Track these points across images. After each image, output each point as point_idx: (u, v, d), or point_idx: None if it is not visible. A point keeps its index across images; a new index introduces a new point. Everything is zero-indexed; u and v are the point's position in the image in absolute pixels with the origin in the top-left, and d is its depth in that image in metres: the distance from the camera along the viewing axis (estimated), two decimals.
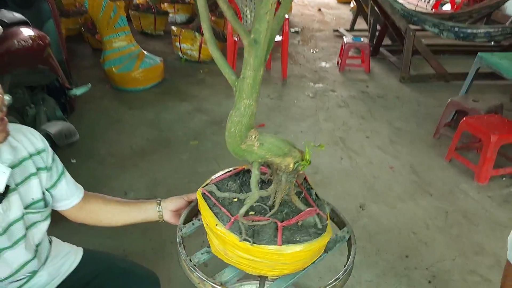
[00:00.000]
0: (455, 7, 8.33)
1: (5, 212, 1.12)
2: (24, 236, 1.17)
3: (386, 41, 6.12)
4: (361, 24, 7.29)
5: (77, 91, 2.96)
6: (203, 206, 1.06)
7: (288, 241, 0.96)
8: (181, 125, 3.77)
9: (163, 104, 4.16)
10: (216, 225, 0.99)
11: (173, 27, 5.38)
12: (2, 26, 2.21)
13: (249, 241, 0.94)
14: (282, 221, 1.02)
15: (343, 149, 3.47)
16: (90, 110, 3.93)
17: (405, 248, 2.45)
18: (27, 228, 1.19)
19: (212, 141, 3.50)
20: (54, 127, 2.27)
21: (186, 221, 1.23)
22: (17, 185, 1.15)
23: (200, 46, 5.15)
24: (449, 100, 3.58)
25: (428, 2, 9.17)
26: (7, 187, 1.10)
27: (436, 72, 5.05)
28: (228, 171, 1.21)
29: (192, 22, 6.21)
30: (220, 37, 5.33)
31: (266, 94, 4.47)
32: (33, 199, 1.20)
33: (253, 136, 1.00)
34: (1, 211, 1.11)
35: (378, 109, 4.27)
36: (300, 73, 5.21)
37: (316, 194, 1.15)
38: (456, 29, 5.17)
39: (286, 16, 7.06)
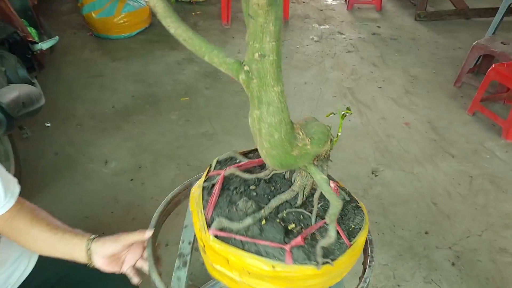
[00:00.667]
0: None
1: None
2: None
3: None
4: None
5: (44, 45, 2.53)
6: (231, 252, 0.72)
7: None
8: (170, 78, 3.36)
9: (150, 54, 3.72)
10: (274, 267, 0.69)
11: None
12: None
13: (330, 262, 0.71)
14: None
15: (352, 102, 3.08)
16: (68, 63, 3.51)
17: (424, 222, 2.15)
18: None
19: (205, 97, 3.11)
20: (7, 95, 1.89)
21: None
22: None
23: None
24: (474, 43, 3.12)
25: None
26: None
27: (456, 7, 4.50)
28: (218, 167, 0.90)
29: None
30: None
31: None
32: None
33: (301, 133, 0.73)
34: None
35: (391, 53, 3.81)
36: (304, 13, 4.67)
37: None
38: None
39: None
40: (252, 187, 0.84)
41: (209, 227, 0.74)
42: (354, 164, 2.52)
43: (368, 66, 3.58)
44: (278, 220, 0.77)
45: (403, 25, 4.41)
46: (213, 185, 0.83)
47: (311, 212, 0.80)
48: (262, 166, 0.91)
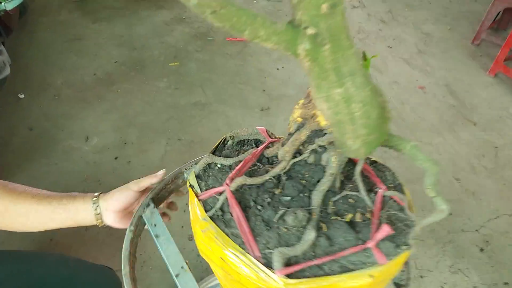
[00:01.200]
0: None
1: None
2: None
3: None
4: None
5: (8, 5, 2.19)
6: (319, 285, 0.51)
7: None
8: (158, 41, 3.02)
9: (136, 14, 3.35)
10: (371, 276, 0.52)
11: None
12: None
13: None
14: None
15: None
16: (44, 26, 3.15)
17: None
18: None
19: (197, 61, 2.80)
20: None
21: None
22: None
23: None
24: None
25: None
26: None
27: None
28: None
29: None
30: None
31: None
32: None
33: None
34: None
35: (401, 9, 3.46)
36: None
37: None
38: None
39: None
40: (277, 190, 0.60)
41: (271, 268, 0.49)
42: None
43: (376, 23, 3.25)
44: (334, 217, 0.59)
45: None
46: (224, 211, 0.57)
47: (356, 192, 0.59)
48: (263, 158, 0.65)
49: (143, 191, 0.85)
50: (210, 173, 0.64)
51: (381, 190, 0.63)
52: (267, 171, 0.61)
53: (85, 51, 2.90)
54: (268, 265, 0.50)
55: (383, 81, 2.63)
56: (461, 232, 1.77)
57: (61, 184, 1.97)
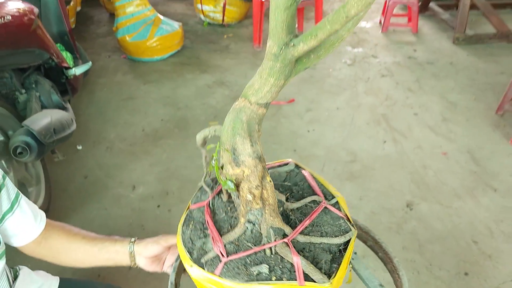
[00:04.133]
0: None
1: None
2: None
3: None
4: None
5: (77, 70, 2.58)
6: None
7: None
8: (200, 102, 3.35)
9: (181, 77, 3.73)
10: None
11: None
12: None
13: None
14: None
15: (386, 129, 2.97)
16: (102, 86, 3.56)
17: (464, 262, 2.00)
18: None
19: None
20: (39, 122, 1.91)
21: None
22: None
23: (224, 7, 4.61)
24: None
25: None
26: None
27: (497, 30, 4.32)
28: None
29: None
30: None
31: None
32: None
33: None
34: None
35: (428, 78, 3.67)
36: None
37: None
38: None
39: None
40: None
41: None
42: (387, 196, 2.40)
43: (404, 91, 3.46)
44: None
45: (440, 48, 4.27)
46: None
47: None
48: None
49: (168, 247, 1.02)
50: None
51: None
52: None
53: (136, 109, 3.25)
54: None
55: (407, 146, 2.79)
56: None
57: (109, 227, 2.21)
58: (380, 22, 4.86)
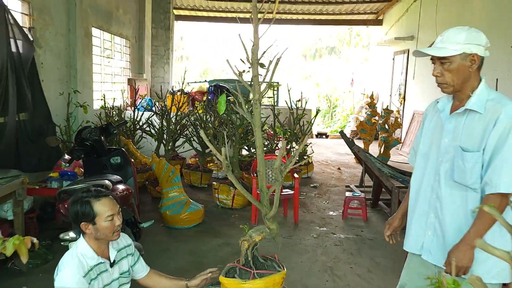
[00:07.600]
0: None
1: (112, 273, 2.54)
2: None
3: (386, 195, 7.47)
4: (370, 181, 8.76)
5: (145, 224, 4.47)
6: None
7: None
8: (213, 254, 5.10)
9: (201, 239, 5.57)
10: None
11: (214, 182, 7.10)
12: (112, 183, 3.89)
13: None
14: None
15: (330, 275, 4.62)
16: (148, 241, 5.39)
17: None
18: (120, 285, 2.60)
19: None
20: (139, 246, 3.72)
21: None
22: (118, 261, 2.59)
23: (233, 196, 6.74)
24: None
25: None
26: (114, 260, 2.55)
27: None
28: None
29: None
30: (249, 190, 6.93)
31: (281, 233, 5.79)
32: (124, 270, 2.64)
33: None
34: (110, 271, 2.53)
35: (366, 248, 5.45)
36: (310, 219, 6.57)
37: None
38: None
39: (306, 175, 8.74)
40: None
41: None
42: None
43: (347, 254, 5.20)
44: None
45: (381, 231, 6.06)
46: None
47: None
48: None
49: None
50: None
51: None
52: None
53: (170, 256, 5.01)
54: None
55: (341, 283, 4.41)
56: None
57: None
58: (342, 212, 6.87)
